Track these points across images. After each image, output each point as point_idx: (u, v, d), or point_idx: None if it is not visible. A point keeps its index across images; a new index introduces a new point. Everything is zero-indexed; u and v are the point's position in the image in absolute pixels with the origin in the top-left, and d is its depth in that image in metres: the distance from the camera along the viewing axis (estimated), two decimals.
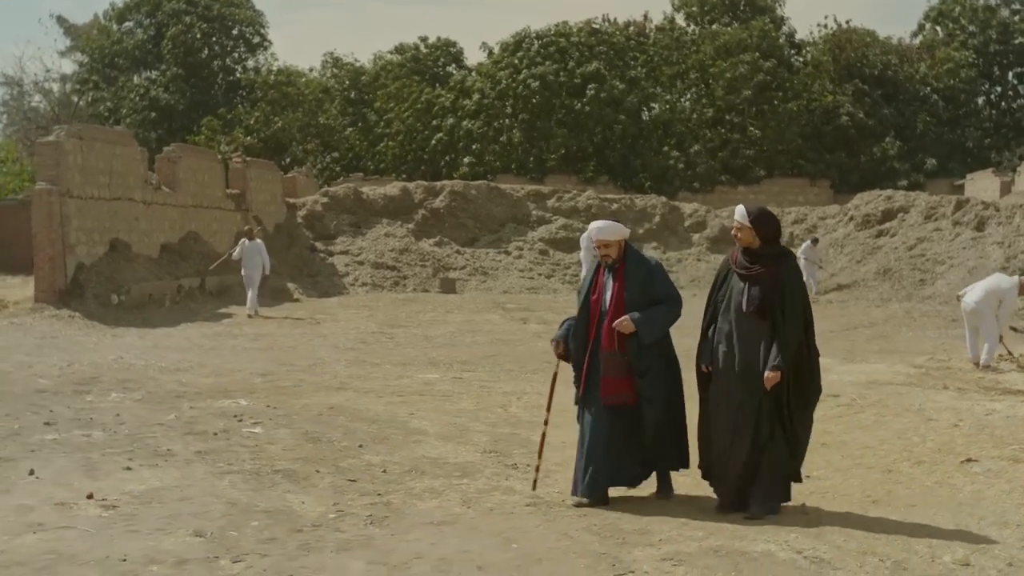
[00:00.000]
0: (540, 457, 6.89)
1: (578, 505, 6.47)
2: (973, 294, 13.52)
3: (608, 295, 6.62)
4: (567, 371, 6.88)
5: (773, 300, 6.23)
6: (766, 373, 6.18)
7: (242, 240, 20.75)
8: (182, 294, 21.44)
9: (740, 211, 6.48)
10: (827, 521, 6.27)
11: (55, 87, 52.21)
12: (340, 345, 15.98)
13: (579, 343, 6.69)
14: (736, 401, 6.32)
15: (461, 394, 11.17)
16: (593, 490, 6.51)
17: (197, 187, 24.07)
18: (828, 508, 6.64)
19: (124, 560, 5.24)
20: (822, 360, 14.36)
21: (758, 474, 6.33)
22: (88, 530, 5.78)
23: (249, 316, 19.72)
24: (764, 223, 6.39)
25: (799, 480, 6.56)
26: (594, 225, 6.84)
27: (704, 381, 6.58)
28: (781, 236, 6.59)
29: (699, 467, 6.65)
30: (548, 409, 6.99)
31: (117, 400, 10.44)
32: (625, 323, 6.50)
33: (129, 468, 7.37)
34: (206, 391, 11.08)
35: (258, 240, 20.80)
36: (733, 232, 6.52)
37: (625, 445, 6.55)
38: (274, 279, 25.93)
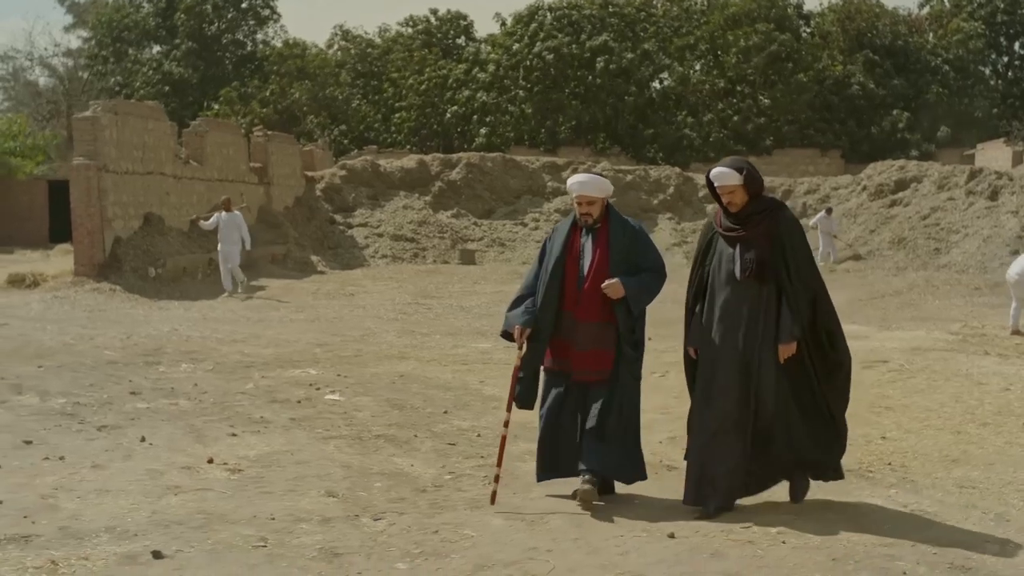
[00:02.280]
0: (500, 464, 5.89)
1: (585, 492, 5.72)
2: (1017, 266, 13.82)
3: (587, 260, 5.89)
4: None
5: (773, 261, 5.50)
6: (780, 346, 5.46)
7: (219, 212, 18.90)
8: (212, 267, 21.65)
9: (724, 174, 5.64)
10: (917, 478, 6.59)
11: (58, 62, 52.11)
12: (382, 316, 16.26)
13: (548, 311, 5.91)
14: (736, 387, 5.54)
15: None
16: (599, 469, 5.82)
17: (223, 161, 24.25)
18: (912, 466, 6.96)
19: (272, 519, 5.52)
20: (859, 328, 14.68)
21: (771, 474, 5.69)
22: (224, 492, 6.07)
23: (229, 294, 18.34)
24: (754, 177, 5.63)
25: (839, 472, 5.84)
26: (575, 179, 6.05)
27: (694, 367, 5.80)
28: (764, 187, 5.80)
29: (685, 459, 5.87)
30: (509, 408, 6.07)
31: (189, 371, 10.70)
32: (615, 286, 5.78)
33: (234, 434, 7.65)
34: (272, 361, 11.35)
35: (236, 212, 18.91)
36: (725, 200, 5.66)
37: (591, 429, 5.82)
38: (298, 251, 26.23)
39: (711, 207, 34.26)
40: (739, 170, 5.57)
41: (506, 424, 5.99)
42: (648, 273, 5.91)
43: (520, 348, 5.98)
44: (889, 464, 6.96)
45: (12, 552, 4.89)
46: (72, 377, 10.00)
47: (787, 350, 5.46)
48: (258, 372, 10.63)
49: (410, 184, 31.76)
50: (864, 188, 31.75)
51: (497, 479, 5.85)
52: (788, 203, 32.04)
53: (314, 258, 26.21)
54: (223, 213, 18.61)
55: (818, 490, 6.15)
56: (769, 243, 5.50)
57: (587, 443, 5.82)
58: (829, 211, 28.28)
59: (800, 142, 42.44)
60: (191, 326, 14.34)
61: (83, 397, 8.97)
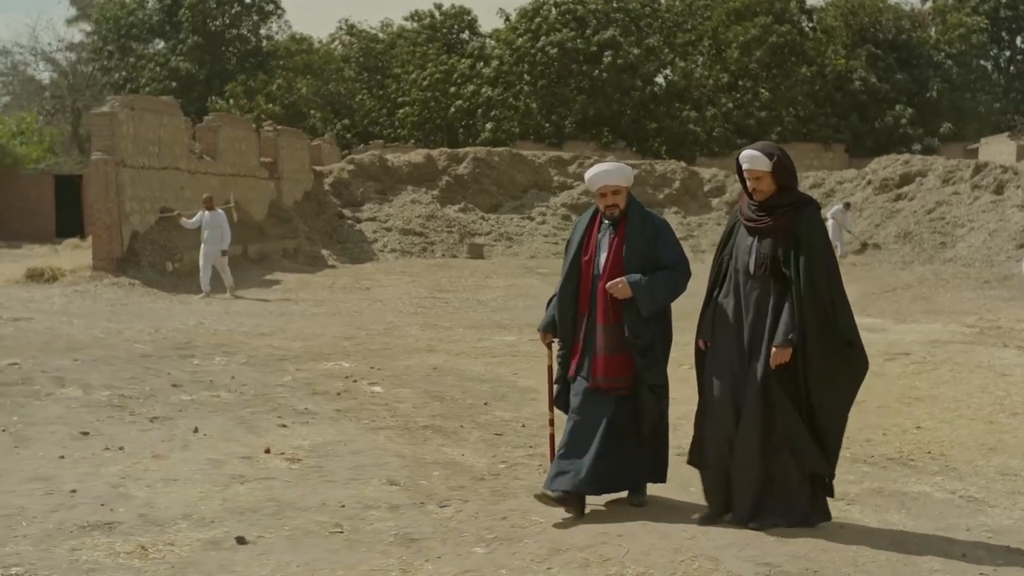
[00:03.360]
0: (554, 459, 5.63)
1: (551, 498, 5.39)
2: None
3: (603, 256, 5.51)
4: None
5: (787, 258, 5.12)
6: (773, 348, 5.05)
7: (201, 211, 18.01)
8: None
9: (754, 157, 5.24)
10: (958, 466, 6.76)
11: (61, 57, 52.13)
12: (401, 310, 16.41)
13: (567, 314, 5.59)
14: (739, 387, 5.20)
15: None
16: (576, 486, 5.40)
17: (235, 156, 24.36)
18: (951, 455, 7.13)
19: (342, 506, 5.68)
20: (875, 321, 14.79)
21: (772, 480, 5.21)
22: (288, 480, 6.22)
23: (206, 295, 17.32)
24: (785, 166, 5.24)
25: (830, 491, 5.32)
26: (598, 169, 5.56)
27: (704, 360, 5.44)
28: (798, 181, 5.39)
29: (689, 463, 5.57)
30: (551, 408, 5.90)
31: (223, 364, 10.83)
32: (620, 286, 5.39)
33: (284, 425, 7.80)
34: (302, 355, 11.50)
35: (220, 210, 18.01)
36: (751, 186, 5.29)
37: (616, 442, 5.44)
38: (308, 246, 26.36)
39: (716, 200, 34.55)
40: (770, 156, 5.21)
41: (551, 422, 5.91)
42: (665, 271, 5.44)
43: (549, 349, 5.85)
44: (928, 453, 7.14)
45: (99, 538, 5.03)
46: (110, 370, 10.13)
47: (780, 355, 5.03)
48: (292, 365, 10.77)
49: (417, 178, 31.89)
50: (869, 182, 31.92)
51: (552, 422, 5.87)
52: None
53: (324, 252, 26.35)
54: (205, 212, 17.81)
55: (865, 478, 6.32)
56: (785, 239, 5.12)
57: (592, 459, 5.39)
58: (847, 205, 28.41)
59: (803, 136, 42.61)
60: (216, 320, 14.48)
61: (126, 389, 9.11)
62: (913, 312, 16.19)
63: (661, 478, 5.67)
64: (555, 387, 5.80)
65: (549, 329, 5.75)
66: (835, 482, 5.95)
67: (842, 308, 5.17)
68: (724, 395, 5.22)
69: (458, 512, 5.61)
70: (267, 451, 6.93)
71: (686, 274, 5.52)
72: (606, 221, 5.58)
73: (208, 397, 8.96)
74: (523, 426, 7.91)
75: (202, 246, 17.83)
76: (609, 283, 5.40)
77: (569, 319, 5.57)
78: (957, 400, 9.15)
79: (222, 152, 23.56)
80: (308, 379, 9.92)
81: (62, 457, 6.66)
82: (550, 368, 5.89)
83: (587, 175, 5.65)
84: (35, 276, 18.32)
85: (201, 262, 17.88)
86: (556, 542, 5.04)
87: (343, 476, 6.35)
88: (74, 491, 5.84)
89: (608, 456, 5.39)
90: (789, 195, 5.25)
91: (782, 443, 5.11)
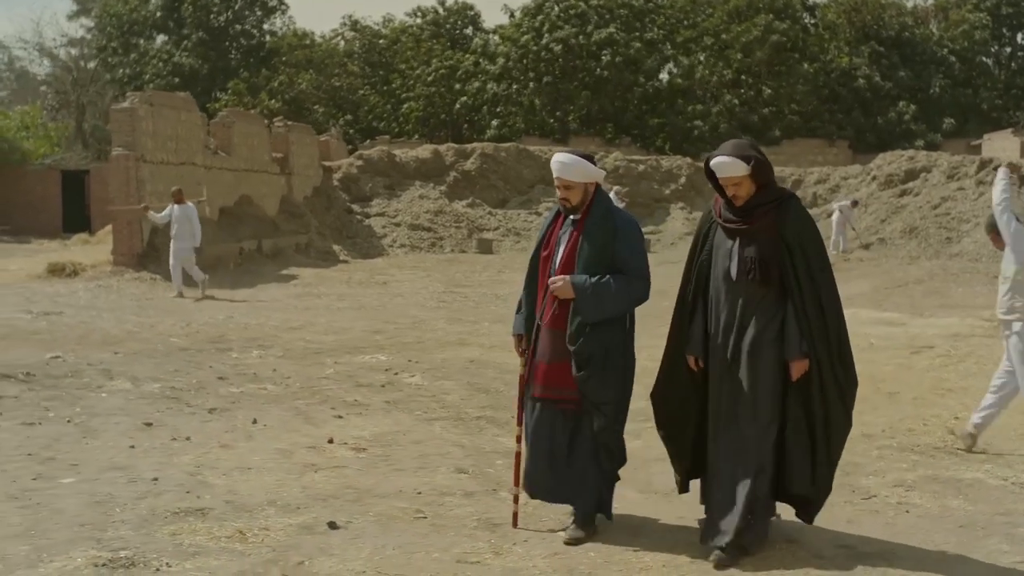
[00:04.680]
0: (517, 483, 5.23)
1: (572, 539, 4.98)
2: None
3: (558, 256, 5.08)
4: None
5: (780, 261, 4.67)
6: (792, 364, 4.64)
7: (171, 205, 16.94)
8: (243, 256, 21.96)
9: (729, 164, 4.74)
10: (1004, 454, 6.96)
11: (63, 52, 52.16)
12: (423, 304, 16.58)
13: (528, 313, 5.18)
14: (729, 408, 4.77)
15: None
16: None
17: (248, 151, 24.49)
18: (995, 443, 7.33)
19: (419, 493, 5.85)
20: (892, 315, 14.98)
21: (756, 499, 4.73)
22: (359, 468, 6.40)
23: (179, 295, 16.45)
24: (763, 166, 4.75)
25: (814, 512, 4.94)
26: (557, 157, 5.17)
27: (690, 379, 4.97)
28: (774, 174, 4.89)
29: (676, 481, 5.23)
30: (520, 422, 5.27)
31: (260, 357, 11.00)
32: (561, 284, 4.92)
33: (339, 416, 7.98)
34: (337, 348, 11.66)
35: (189, 204, 16.87)
36: (730, 192, 4.78)
37: (550, 459, 5.07)
38: (320, 241, 26.51)
39: None
40: (746, 159, 4.69)
41: (519, 439, 5.25)
42: (619, 276, 4.91)
43: (521, 356, 5.27)
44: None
45: (195, 523, 5.21)
46: (153, 363, 10.29)
47: (800, 367, 4.63)
48: (329, 358, 10.94)
49: (425, 174, 32.04)
50: (874, 178, 32.17)
51: (516, 499, 5.22)
52: (799, 194, 32.63)
53: (336, 247, 26.51)
54: (175, 206, 16.73)
55: (917, 466, 6.52)
56: (775, 239, 4.67)
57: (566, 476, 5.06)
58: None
59: (807, 133, 42.88)
60: (244, 314, 14.63)
61: (174, 382, 9.28)
62: (928, 306, 16.39)
63: (602, 512, 5.10)
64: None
65: (525, 332, 5.22)
66: (888, 468, 6.17)
67: (833, 309, 4.75)
68: (722, 424, 4.80)
69: (529, 499, 5.79)
70: (330, 441, 7.11)
71: (644, 283, 4.97)
72: (570, 216, 5.15)
73: (255, 389, 9.13)
74: None
75: (172, 242, 16.84)
76: (551, 280, 4.95)
77: (530, 320, 5.14)
78: (987, 392, 9.33)
79: (236, 147, 23.69)
80: (349, 372, 10.09)
81: (132, 447, 6.83)
82: (522, 378, 5.22)
83: (552, 161, 5.23)
84: (56, 271, 18.46)
85: (171, 260, 16.87)
86: (635, 529, 5.23)
87: (411, 465, 6.53)
88: (155, 479, 6.01)
89: (552, 466, 5.06)
90: (768, 192, 4.77)
91: (763, 459, 4.71)
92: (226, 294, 17.27)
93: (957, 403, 8.79)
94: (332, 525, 5.19)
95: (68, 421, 7.57)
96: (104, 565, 4.57)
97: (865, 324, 13.01)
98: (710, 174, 4.84)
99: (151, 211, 17.50)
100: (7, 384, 8.86)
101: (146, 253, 18.83)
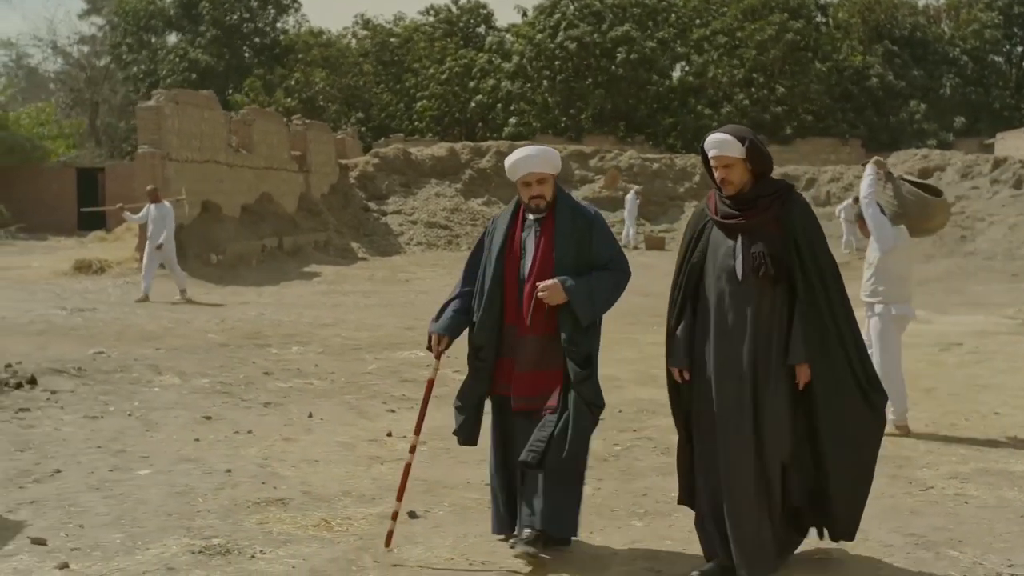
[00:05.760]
0: (400, 498, 4.91)
1: (526, 553, 4.61)
2: None
3: (529, 258, 4.78)
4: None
5: (787, 257, 4.34)
6: (796, 368, 4.32)
7: (147, 204, 16.38)
8: (265, 253, 22.14)
9: (724, 141, 4.43)
10: None
11: (75, 50, 52.35)
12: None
13: (490, 323, 4.82)
14: (737, 421, 4.37)
15: (615, 345, 11.94)
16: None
17: (268, 149, 24.67)
18: None
19: (487, 484, 6.00)
20: (918, 312, 15.16)
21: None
22: (424, 461, 6.53)
23: (145, 298, 15.59)
24: (760, 151, 4.44)
25: (852, 532, 4.65)
26: (520, 154, 4.76)
27: (682, 393, 4.62)
28: (773, 166, 4.53)
29: (679, 502, 4.90)
30: (417, 431, 5.10)
31: (301, 353, 11.16)
32: (554, 290, 4.65)
33: (392, 411, 8.14)
34: (373, 344, 11.82)
35: (166, 203, 16.25)
36: (719, 176, 4.45)
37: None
38: (338, 239, 26.68)
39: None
40: (741, 139, 4.40)
41: (412, 449, 5.02)
42: (603, 272, 4.75)
43: (437, 359, 5.03)
44: (1015, 436, 7.48)
45: (278, 512, 5.37)
46: (196, 359, 10.46)
47: (804, 372, 4.31)
48: (367, 354, 11.10)
49: (440, 172, 32.20)
50: None
51: (395, 516, 4.86)
52: (812, 192, 32.74)
53: (354, 245, 26.68)
54: (151, 206, 16.15)
55: (967, 459, 6.66)
56: (781, 233, 4.35)
57: (526, 486, 4.78)
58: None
59: (819, 131, 43.01)
60: (274, 311, 14.80)
61: (222, 377, 9.44)
62: (950, 304, 16.55)
63: (569, 530, 4.79)
64: (461, 413, 5.09)
65: (445, 332, 4.96)
66: (939, 462, 6.30)
67: (841, 307, 4.43)
68: (728, 433, 4.38)
69: (597, 491, 5.94)
70: (389, 434, 7.27)
71: (625, 274, 4.83)
72: (530, 216, 4.83)
73: (303, 384, 9.29)
74: (620, 411, 8.23)
75: (147, 243, 16.21)
76: (541, 285, 4.65)
77: (493, 329, 4.81)
78: (1021, 388, 9.49)
79: (256, 145, 23.87)
80: (391, 367, 10.25)
81: (197, 440, 6.99)
82: (431, 383, 5.09)
83: (507, 162, 4.83)
84: (83, 268, 18.64)
85: (144, 260, 16.23)
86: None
87: (472, 457, 6.64)
88: (229, 471, 6.17)
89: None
90: (767, 185, 4.46)
91: (800, 485, 4.44)
92: (249, 293, 17.44)
93: (993, 399, 8.93)
94: (412, 514, 5.35)
95: (129, 415, 7.74)
96: (200, 552, 4.73)
97: None
98: (704, 157, 4.54)
99: (127, 211, 17.09)
100: (60, 379, 9.04)
101: None
